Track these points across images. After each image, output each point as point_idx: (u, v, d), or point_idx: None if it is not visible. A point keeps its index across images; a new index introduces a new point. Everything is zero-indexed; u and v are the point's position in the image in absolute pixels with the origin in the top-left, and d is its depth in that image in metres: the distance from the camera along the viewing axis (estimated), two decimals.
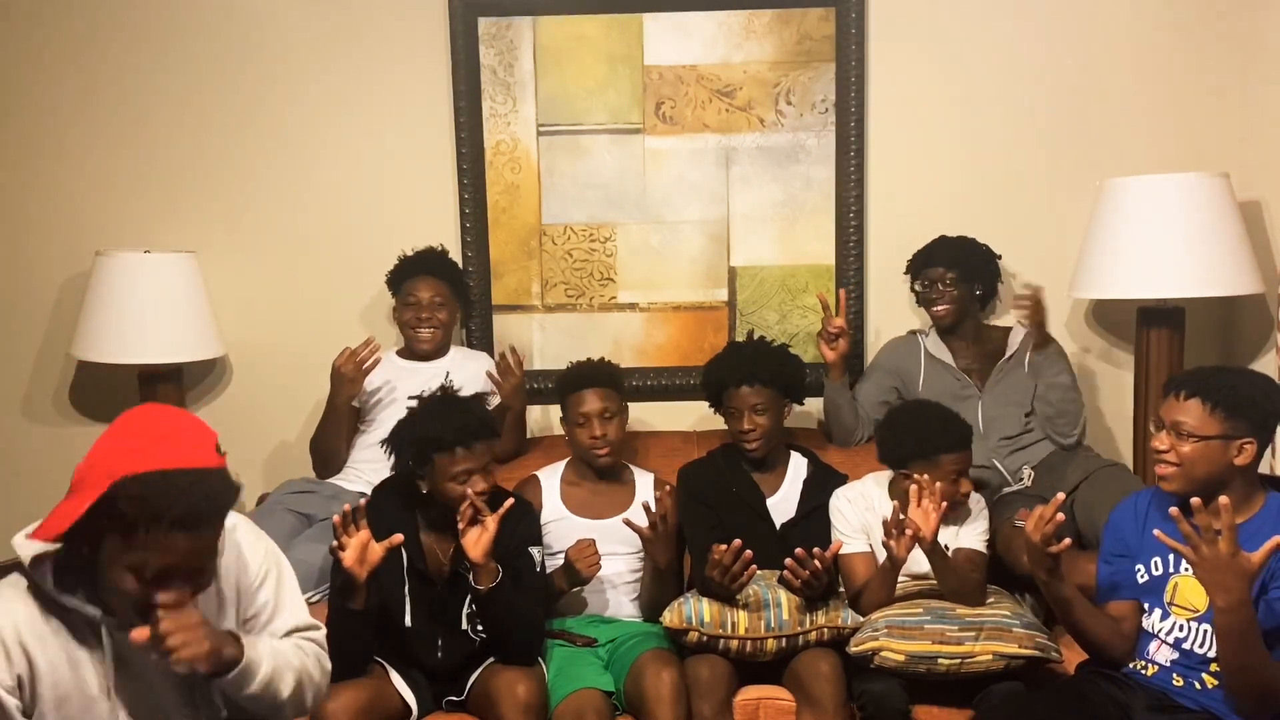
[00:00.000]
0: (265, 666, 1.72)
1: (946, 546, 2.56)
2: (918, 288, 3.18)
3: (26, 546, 1.63)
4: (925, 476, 2.51)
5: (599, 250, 3.39)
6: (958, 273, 3.09)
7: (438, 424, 2.51)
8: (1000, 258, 3.20)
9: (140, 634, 1.57)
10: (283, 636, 1.85)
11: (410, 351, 3.18)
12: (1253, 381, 2.16)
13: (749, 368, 2.82)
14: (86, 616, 1.65)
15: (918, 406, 2.81)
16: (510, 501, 2.45)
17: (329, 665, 1.92)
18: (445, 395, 2.62)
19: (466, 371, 3.10)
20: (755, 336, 3.02)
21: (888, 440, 2.71)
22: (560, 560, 2.73)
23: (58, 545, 1.62)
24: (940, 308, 3.11)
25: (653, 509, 2.63)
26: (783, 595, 2.53)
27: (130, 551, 1.56)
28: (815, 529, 2.73)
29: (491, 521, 2.40)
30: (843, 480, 2.86)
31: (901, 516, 2.47)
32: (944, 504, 2.48)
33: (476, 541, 2.40)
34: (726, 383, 2.84)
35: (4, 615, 1.62)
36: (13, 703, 1.60)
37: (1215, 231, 2.93)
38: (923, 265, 3.15)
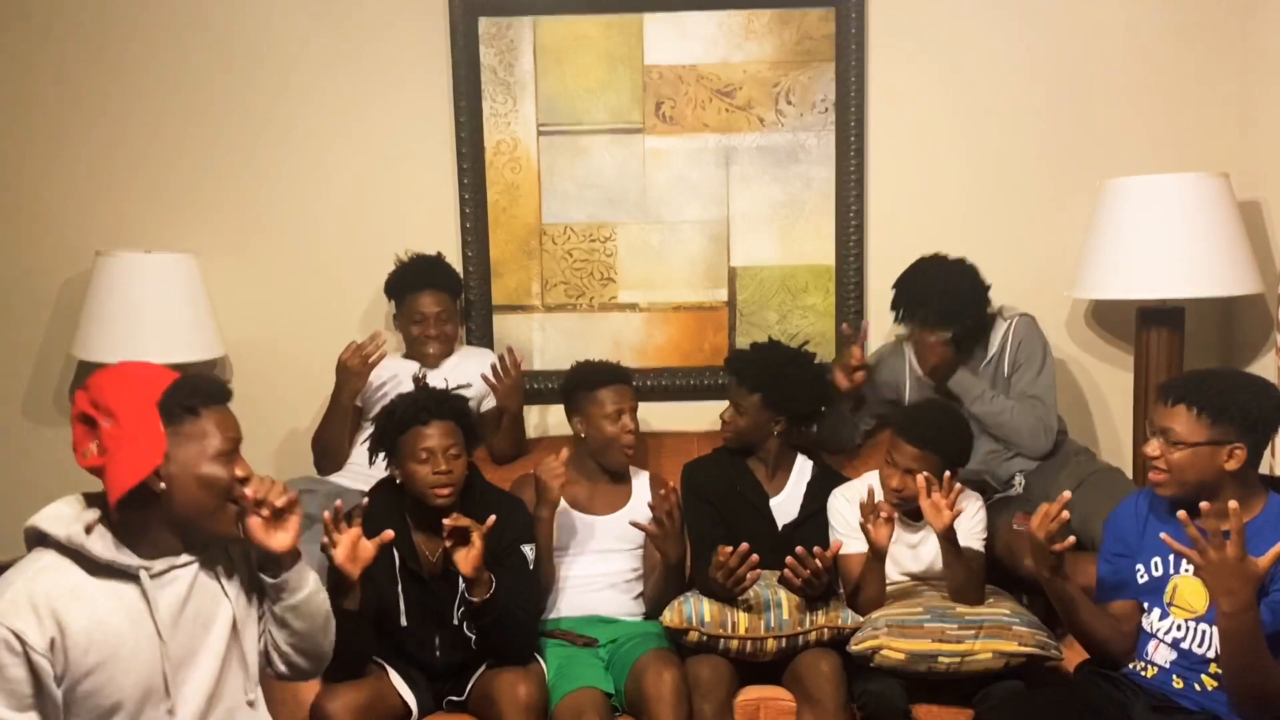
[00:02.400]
0: (314, 578, 2.00)
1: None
2: (903, 328, 3.04)
3: (70, 521, 1.78)
4: (927, 475, 2.50)
5: (599, 250, 3.39)
6: (953, 333, 2.92)
7: (397, 404, 2.57)
8: (990, 287, 3.01)
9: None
10: None
11: (414, 356, 3.18)
12: (1242, 385, 2.14)
13: (740, 367, 2.86)
14: (127, 571, 1.79)
15: (937, 400, 2.85)
16: (492, 519, 2.43)
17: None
18: (416, 386, 2.68)
19: (465, 370, 3.10)
20: (803, 346, 2.95)
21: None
22: (560, 555, 2.76)
23: (96, 512, 1.81)
24: (930, 364, 2.97)
25: (657, 508, 2.64)
26: (783, 595, 2.54)
27: (207, 440, 1.82)
28: (817, 531, 2.74)
29: (477, 538, 2.39)
30: (844, 480, 2.86)
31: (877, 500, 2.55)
32: (957, 504, 2.48)
33: (466, 558, 2.39)
34: (728, 373, 2.92)
35: (36, 584, 1.74)
36: (45, 665, 1.70)
37: (1215, 231, 2.93)
38: (913, 313, 2.94)
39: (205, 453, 1.82)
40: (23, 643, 1.68)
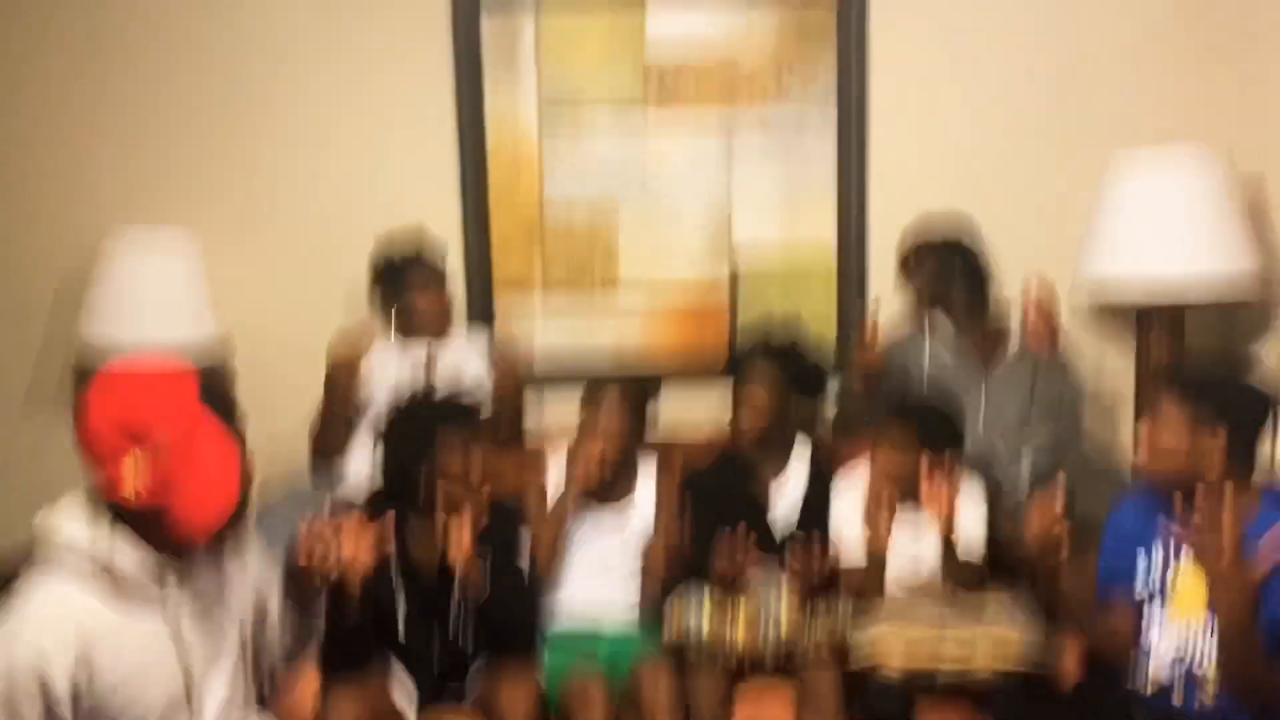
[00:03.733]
0: None
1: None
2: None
3: (91, 535, 1.66)
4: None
5: (602, 229, 3.38)
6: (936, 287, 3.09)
7: (422, 428, 2.52)
8: (980, 255, 3.14)
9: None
10: None
11: (409, 330, 3.15)
12: (1230, 380, 2.18)
13: (767, 353, 2.87)
14: (151, 587, 1.72)
15: (925, 395, 2.83)
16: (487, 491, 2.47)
17: None
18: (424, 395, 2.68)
19: (462, 354, 3.11)
20: (791, 341, 2.99)
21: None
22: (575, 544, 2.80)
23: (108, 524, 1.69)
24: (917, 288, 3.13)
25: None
26: (783, 610, 2.55)
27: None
28: (820, 530, 2.74)
29: (467, 531, 2.42)
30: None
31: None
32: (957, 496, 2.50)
33: (457, 539, 2.42)
34: (754, 359, 2.89)
35: (67, 618, 1.63)
36: (64, 714, 1.62)
37: (1217, 214, 2.93)
38: (907, 276, 3.14)
39: None
40: (45, 688, 1.60)
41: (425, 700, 2.51)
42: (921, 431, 2.61)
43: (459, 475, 2.48)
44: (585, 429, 2.82)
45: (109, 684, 1.66)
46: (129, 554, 1.69)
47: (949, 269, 3.10)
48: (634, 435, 2.86)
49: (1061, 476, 2.23)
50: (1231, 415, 2.11)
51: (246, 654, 1.94)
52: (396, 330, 3.20)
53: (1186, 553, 2.12)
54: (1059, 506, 2.17)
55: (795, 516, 2.84)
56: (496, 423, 3.12)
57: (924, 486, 2.48)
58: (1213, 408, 2.10)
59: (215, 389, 1.70)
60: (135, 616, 1.70)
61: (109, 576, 1.66)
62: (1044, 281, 2.94)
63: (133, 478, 1.60)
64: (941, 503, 2.46)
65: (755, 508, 2.84)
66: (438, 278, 3.16)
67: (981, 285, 3.15)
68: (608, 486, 2.83)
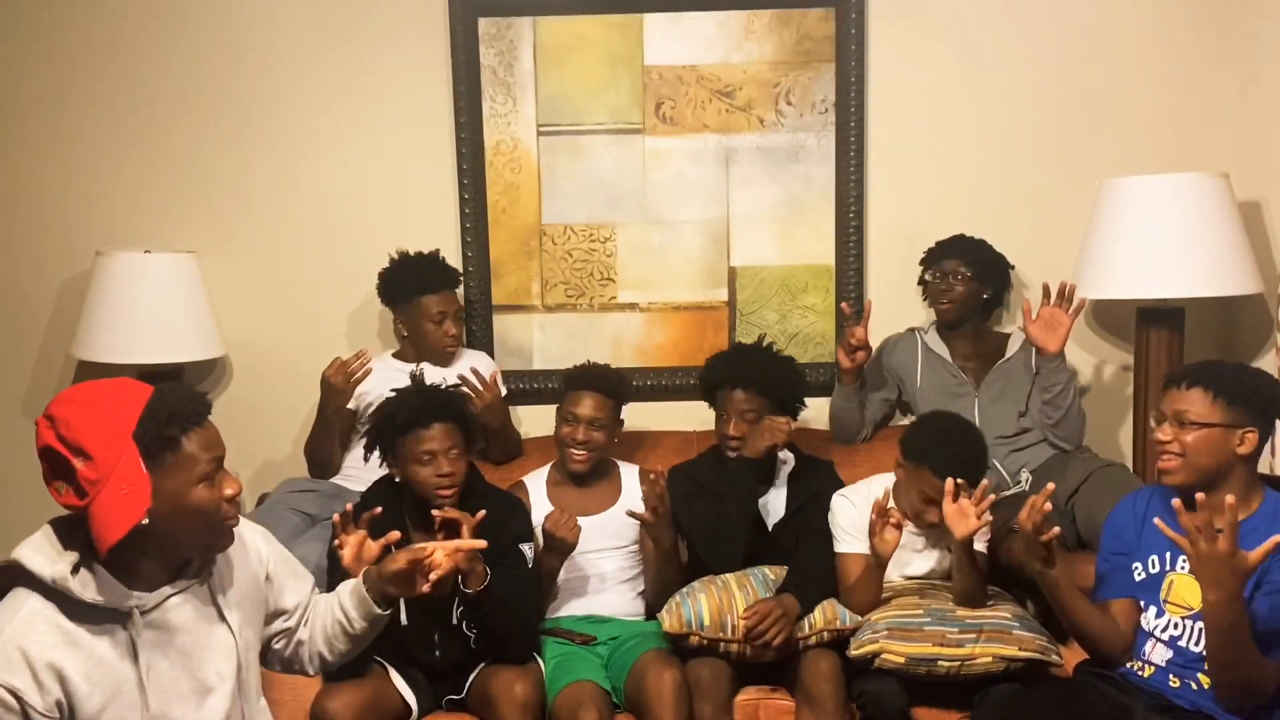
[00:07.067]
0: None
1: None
2: (928, 277, 3.20)
3: (54, 560, 1.65)
4: (959, 481, 2.48)
5: (599, 250, 3.39)
6: (973, 271, 3.11)
7: (396, 406, 2.55)
8: (1014, 268, 3.23)
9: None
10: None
11: (417, 355, 3.16)
12: (1252, 373, 2.19)
13: (748, 373, 2.82)
14: (116, 612, 1.68)
15: (958, 420, 2.75)
16: (482, 513, 2.43)
17: None
18: (413, 383, 2.65)
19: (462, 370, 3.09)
20: (765, 342, 2.97)
21: (909, 431, 2.72)
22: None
23: (76, 554, 1.66)
24: (945, 303, 3.13)
25: (648, 495, 2.65)
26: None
27: (191, 468, 1.69)
28: (805, 524, 2.74)
29: (466, 530, 2.40)
30: (827, 466, 2.87)
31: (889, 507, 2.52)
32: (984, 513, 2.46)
33: (457, 549, 2.40)
34: (722, 383, 2.84)
35: (29, 638, 1.62)
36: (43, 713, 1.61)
37: (1215, 231, 2.93)
38: (939, 256, 3.16)
39: (190, 481, 1.69)
40: (20, 701, 1.58)
41: (426, 699, 2.49)
42: (959, 470, 2.54)
43: (447, 462, 2.48)
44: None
45: (84, 692, 1.64)
46: (89, 582, 1.66)
47: (974, 300, 3.14)
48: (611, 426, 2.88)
49: (1051, 487, 2.20)
50: (1261, 411, 2.12)
51: (244, 672, 1.86)
52: (415, 350, 3.18)
53: (1184, 563, 2.11)
54: (1048, 507, 2.16)
55: (783, 510, 2.81)
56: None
57: (947, 507, 2.45)
58: (1247, 405, 2.11)
59: (156, 425, 1.67)
60: (101, 631, 1.67)
61: (70, 602, 1.65)
62: (1065, 283, 2.95)
63: (57, 479, 1.66)
64: (969, 523, 2.43)
65: (743, 508, 2.78)
66: (453, 279, 3.18)
67: (993, 309, 3.24)
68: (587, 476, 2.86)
